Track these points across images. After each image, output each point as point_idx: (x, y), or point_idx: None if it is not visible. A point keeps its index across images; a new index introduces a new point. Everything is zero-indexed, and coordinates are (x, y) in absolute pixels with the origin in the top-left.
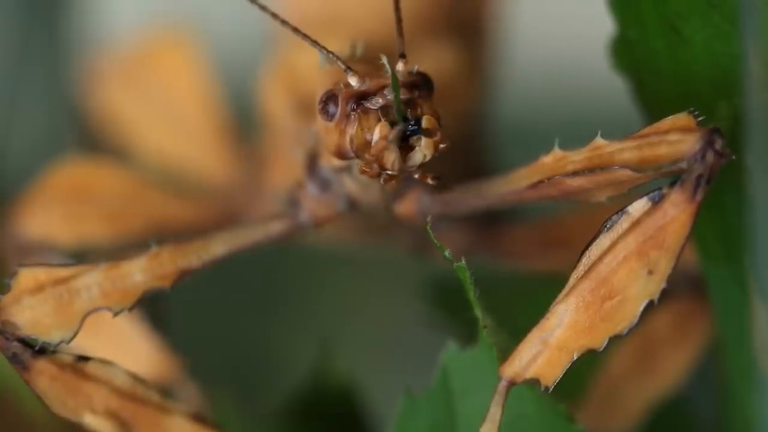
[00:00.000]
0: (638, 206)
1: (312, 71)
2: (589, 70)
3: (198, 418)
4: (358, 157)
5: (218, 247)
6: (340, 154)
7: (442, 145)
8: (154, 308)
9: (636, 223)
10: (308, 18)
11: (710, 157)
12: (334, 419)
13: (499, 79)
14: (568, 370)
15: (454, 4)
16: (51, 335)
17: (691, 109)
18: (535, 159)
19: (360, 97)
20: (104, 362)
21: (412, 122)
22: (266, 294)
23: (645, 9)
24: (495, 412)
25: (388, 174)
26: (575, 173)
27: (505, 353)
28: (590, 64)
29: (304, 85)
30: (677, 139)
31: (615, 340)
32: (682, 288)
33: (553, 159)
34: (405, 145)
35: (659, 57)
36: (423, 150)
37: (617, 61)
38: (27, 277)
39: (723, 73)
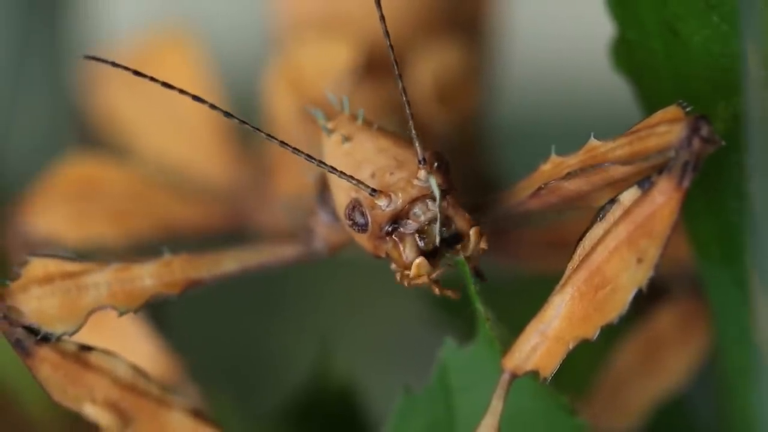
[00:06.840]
0: (629, 195)
1: (319, 72)
2: (590, 70)
3: (197, 413)
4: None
5: (230, 263)
6: (375, 257)
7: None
8: (155, 308)
9: (626, 212)
10: (309, 17)
11: (696, 143)
12: (334, 419)
13: (499, 79)
14: (570, 367)
15: (455, 4)
16: (54, 327)
17: (680, 101)
18: (535, 168)
19: (392, 221)
20: (107, 353)
21: (449, 237)
22: (266, 294)
23: (643, 10)
24: (497, 405)
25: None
26: (570, 175)
27: (505, 347)
28: (590, 64)
29: (312, 87)
30: (665, 130)
31: (606, 328)
32: (685, 288)
33: (552, 166)
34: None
35: (658, 58)
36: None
37: (617, 62)
38: (37, 266)
39: (722, 74)
